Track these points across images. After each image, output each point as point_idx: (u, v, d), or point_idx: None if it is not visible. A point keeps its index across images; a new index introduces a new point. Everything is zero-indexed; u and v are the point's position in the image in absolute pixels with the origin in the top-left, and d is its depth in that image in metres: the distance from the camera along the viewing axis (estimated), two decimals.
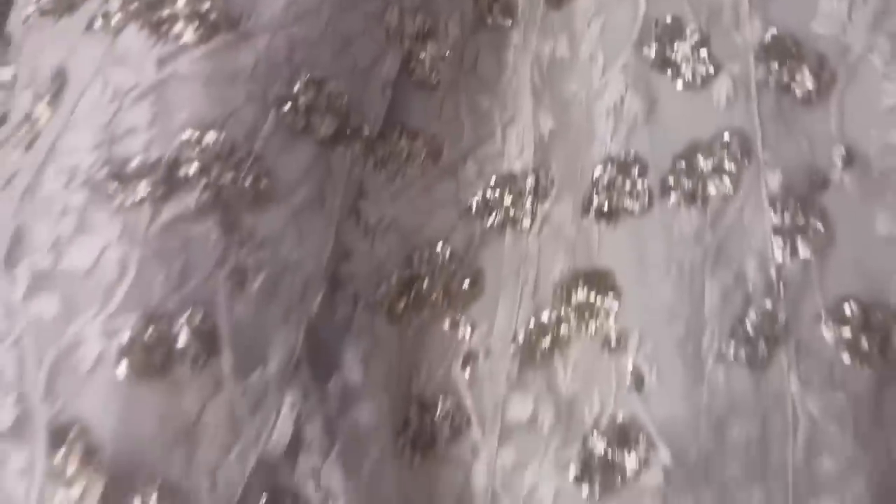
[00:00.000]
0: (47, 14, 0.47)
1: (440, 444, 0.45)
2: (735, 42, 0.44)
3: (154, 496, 0.36)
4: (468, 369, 0.46)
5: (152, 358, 0.36)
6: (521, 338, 0.45)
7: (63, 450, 0.35)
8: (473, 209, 0.48)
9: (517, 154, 0.49)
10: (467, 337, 0.47)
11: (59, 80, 0.41)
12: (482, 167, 0.49)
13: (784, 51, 0.44)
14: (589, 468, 0.42)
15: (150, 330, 0.36)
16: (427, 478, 0.45)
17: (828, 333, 0.40)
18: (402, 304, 0.46)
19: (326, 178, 0.43)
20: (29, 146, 0.40)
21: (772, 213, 0.41)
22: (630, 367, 0.42)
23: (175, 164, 0.38)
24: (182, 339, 0.37)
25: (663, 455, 0.41)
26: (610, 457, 0.42)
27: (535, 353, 0.45)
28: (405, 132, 0.47)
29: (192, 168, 0.38)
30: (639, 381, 0.42)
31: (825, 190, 0.42)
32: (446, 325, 0.47)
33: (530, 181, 0.48)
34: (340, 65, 0.43)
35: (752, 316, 0.41)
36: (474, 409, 0.46)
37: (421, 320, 0.46)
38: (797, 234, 0.41)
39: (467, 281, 0.47)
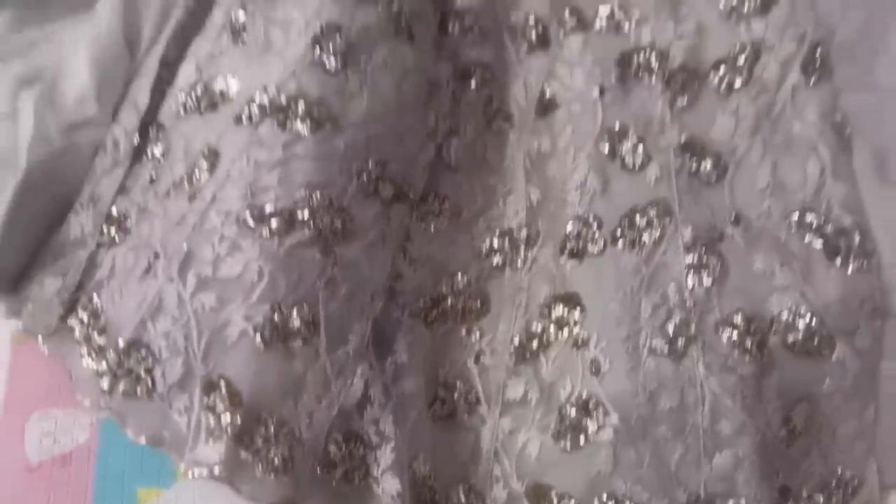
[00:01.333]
0: (192, 111, 0.68)
1: (459, 415, 0.63)
2: (661, 142, 0.65)
3: (272, 426, 0.54)
4: (478, 363, 0.65)
5: (275, 335, 0.55)
6: (516, 342, 0.64)
7: (216, 392, 0.54)
8: (483, 252, 0.68)
9: (514, 215, 0.69)
10: (477, 340, 0.66)
11: (213, 156, 0.61)
12: (489, 224, 0.69)
13: (693, 149, 0.65)
14: (563, 429, 0.61)
15: (275, 316, 0.55)
16: (449, 438, 0.63)
17: (724, 336, 0.59)
18: (433, 315, 0.65)
19: (386, 225, 0.63)
20: (192, 198, 0.60)
21: (686, 255, 0.61)
22: (591, 359, 0.61)
23: (293, 211, 0.57)
24: (295, 324, 0.56)
25: (613, 419, 0.59)
26: (577, 421, 0.60)
27: (526, 352, 0.64)
28: (437, 197, 0.68)
29: (305, 214, 0.57)
30: (596, 368, 0.60)
31: (721, 241, 0.62)
32: (463, 331, 0.66)
33: (523, 234, 0.68)
34: (397, 151, 0.64)
35: (672, 323, 0.60)
36: (482, 391, 0.64)
37: (446, 327, 0.65)
38: (702, 269, 0.61)
39: (478, 302, 0.66)
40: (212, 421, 0.53)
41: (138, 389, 0.56)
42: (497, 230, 0.69)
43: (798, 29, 0.65)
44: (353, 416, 0.58)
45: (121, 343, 0.57)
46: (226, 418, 0.53)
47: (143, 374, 0.56)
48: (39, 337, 0.65)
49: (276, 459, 0.53)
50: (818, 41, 0.64)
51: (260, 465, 0.53)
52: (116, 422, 0.57)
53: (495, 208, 0.70)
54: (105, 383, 0.56)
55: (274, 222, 0.57)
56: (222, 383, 0.54)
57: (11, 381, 0.68)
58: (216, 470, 0.52)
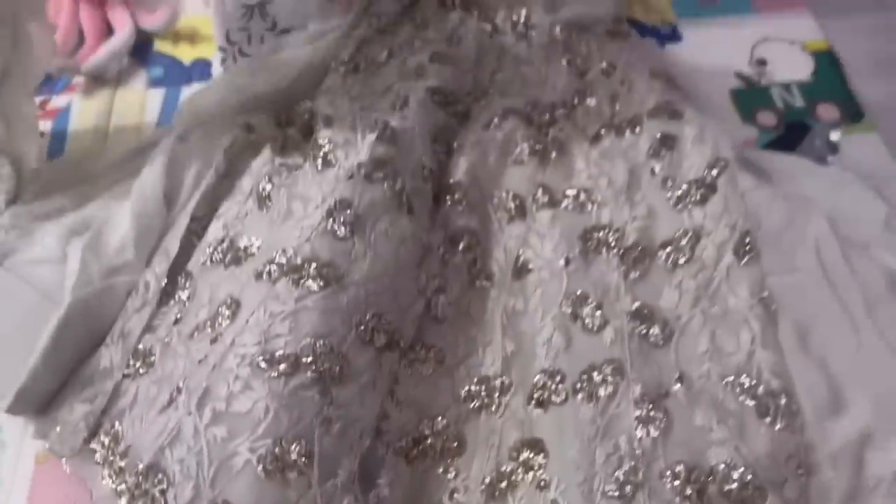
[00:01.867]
0: (218, 263, 0.79)
1: None
2: (616, 308, 0.76)
3: None
4: (452, 500, 0.72)
5: (275, 466, 0.64)
6: (487, 481, 0.72)
7: None
8: (462, 397, 0.77)
9: (490, 364, 0.79)
10: (453, 478, 0.73)
11: (235, 305, 0.72)
12: (469, 371, 0.78)
13: (644, 315, 0.76)
14: None
15: (276, 449, 0.64)
16: None
17: (668, 484, 0.67)
18: (414, 453, 0.73)
19: (378, 370, 0.72)
20: (213, 341, 0.70)
21: (636, 409, 0.70)
22: (551, 499, 0.68)
23: (299, 356, 0.67)
24: (292, 456, 0.64)
25: None
26: None
27: (495, 491, 0.72)
28: (424, 346, 0.78)
29: (309, 359, 0.67)
30: None
31: (667, 397, 0.72)
32: (440, 469, 0.74)
33: (498, 382, 0.77)
34: (392, 306, 0.75)
35: (623, 470, 0.68)
36: None
37: (425, 465, 0.73)
38: (650, 423, 0.70)
39: (455, 443, 0.75)
40: None
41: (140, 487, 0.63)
42: (476, 377, 0.78)
43: (731, 218, 0.78)
44: None
45: (140, 467, 0.65)
46: None
47: (157, 495, 0.64)
48: (64, 458, 0.74)
49: None
50: (747, 230, 0.77)
51: None
52: None
53: (475, 357, 0.80)
54: (123, 502, 0.64)
55: (282, 366, 0.66)
56: None
57: (32, 498, 0.75)
58: None
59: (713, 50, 1.13)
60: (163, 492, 0.64)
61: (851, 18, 1.17)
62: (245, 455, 0.63)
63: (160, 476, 0.64)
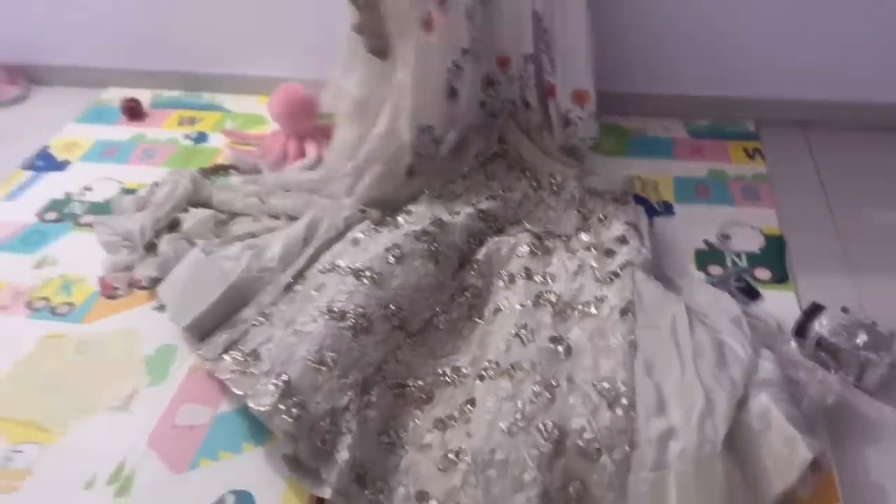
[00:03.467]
0: (322, 273, 1.34)
1: None
2: (542, 334, 1.20)
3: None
4: (415, 423, 1.16)
5: (316, 362, 1.13)
6: (438, 418, 1.15)
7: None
8: (439, 374, 1.22)
9: (463, 361, 1.24)
10: (419, 417, 1.17)
11: (322, 287, 1.26)
12: (448, 361, 1.24)
13: (557, 340, 1.19)
14: None
15: (318, 355, 1.14)
16: None
17: (542, 433, 1.07)
18: (397, 392, 1.19)
19: (389, 336, 1.21)
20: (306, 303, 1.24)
21: (534, 388, 1.12)
22: (467, 432, 1.10)
23: (346, 313, 1.18)
24: (327, 360, 1.13)
25: None
26: None
27: (445, 426, 1.15)
28: (423, 338, 1.26)
29: (350, 316, 1.18)
30: None
31: (556, 387, 1.13)
32: (413, 409, 1.18)
33: (464, 370, 1.22)
34: (408, 307, 1.25)
35: (514, 421, 1.09)
36: None
37: (403, 403, 1.19)
38: (540, 397, 1.11)
39: (425, 397, 1.19)
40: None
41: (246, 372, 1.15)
42: (451, 366, 1.23)
43: (623, 294, 1.22)
44: None
45: (249, 356, 1.17)
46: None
47: (255, 372, 1.15)
48: (207, 363, 1.27)
49: None
50: (631, 300, 1.20)
51: None
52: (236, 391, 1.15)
53: (454, 355, 1.26)
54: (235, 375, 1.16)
55: (335, 314, 1.18)
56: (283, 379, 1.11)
57: (183, 385, 1.28)
58: None
59: (694, 224, 1.59)
60: (256, 368, 1.15)
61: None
62: (302, 353, 1.14)
63: (258, 360, 1.16)
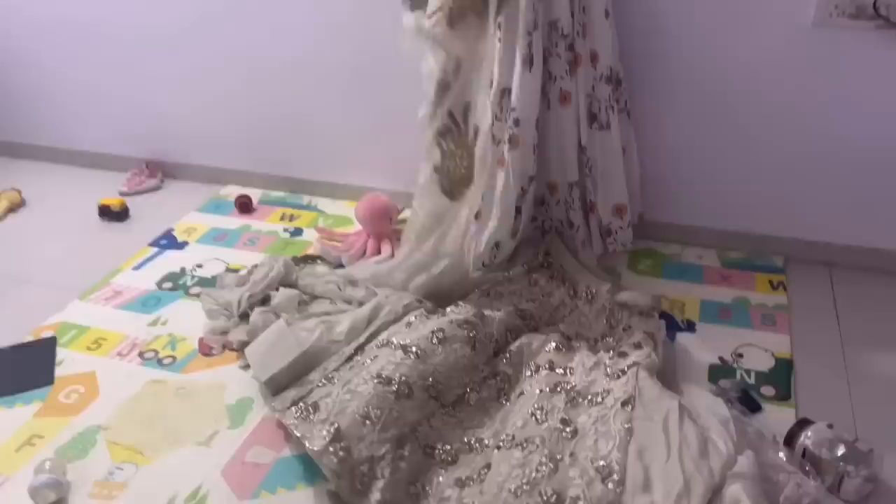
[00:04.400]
0: (377, 347, 1.61)
1: None
2: (555, 416, 1.41)
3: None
4: (439, 481, 1.38)
5: (363, 415, 1.38)
6: (461, 478, 1.37)
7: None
8: (465, 442, 1.45)
9: (486, 434, 1.46)
10: (444, 475, 1.39)
11: (374, 357, 1.52)
12: (474, 433, 1.46)
13: (566, 422, 1.39)
14: None
15: (364, 411, 1.39)
16: None
17: (544, 498, 1.27)
18: (428, 451, 1.41)
19: (425, 405, 1.45)
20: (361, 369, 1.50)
21: (540, 459, 1.33)
22: (479, 490, 1.31)
23: (392, 379, 1.44)
24: (371, 415, 1.38)
25: None
26: None
27: (463, 484, 1.36)
28: (454, 410, 1.49)
29: (395, 383, 1.44)
30: None
31: (561, 461, 1.33)
32: (439, 468, 1.40)
33: (487, 442, 1.44)
34: (444, 381, 1.49)
35: (521, 485, 1.29)
36: None
37: (431, 462, 1.41)
38: (544, 467, 1.31)
39: (451, 460, 1.41)
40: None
41: (306, 419, 1.40)
42: (475, 437, 1.45)
43: (625, 389, 1.42)
44: None
45: (312, 412, 1.43)
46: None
47: (314, 419, 1.40)
48: (277, 412, 1.54)
49: None
50: (631, 395, 1.40)
51: None
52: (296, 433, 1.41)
53: (480, 429, 1.47)
54: (297, 421, 1.42)
55: (382, 380, 1.43)
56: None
57: (255, 431, 1.55)
58: None
59: (712, 342, 1.78)
60: (314, 417, 1.41)
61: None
62: (352, 408, 1.39)
63: (317, 411, 1.42)
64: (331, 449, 1.33)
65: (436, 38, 1.70)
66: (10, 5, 2.54)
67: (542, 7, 1.68)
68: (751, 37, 1.84)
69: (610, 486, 1.26)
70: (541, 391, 1.47)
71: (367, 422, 1.37)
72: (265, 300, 1.88)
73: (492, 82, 1.72)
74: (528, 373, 1.56)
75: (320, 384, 1.55)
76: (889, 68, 1.78)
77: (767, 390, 1.62)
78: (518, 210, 1.86)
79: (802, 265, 2.06)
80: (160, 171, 2.66)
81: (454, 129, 1.79)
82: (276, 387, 1.59)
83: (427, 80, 1.78)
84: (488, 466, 1.36)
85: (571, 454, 1.34)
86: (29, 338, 1.87)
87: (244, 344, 1.75)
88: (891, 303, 1.91)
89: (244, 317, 1.84)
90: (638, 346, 1.60)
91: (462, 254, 1.86)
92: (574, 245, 1.99)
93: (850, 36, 1.76)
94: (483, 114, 1.75)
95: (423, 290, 1.80)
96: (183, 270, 2.15)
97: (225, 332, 1.83)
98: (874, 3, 1.71)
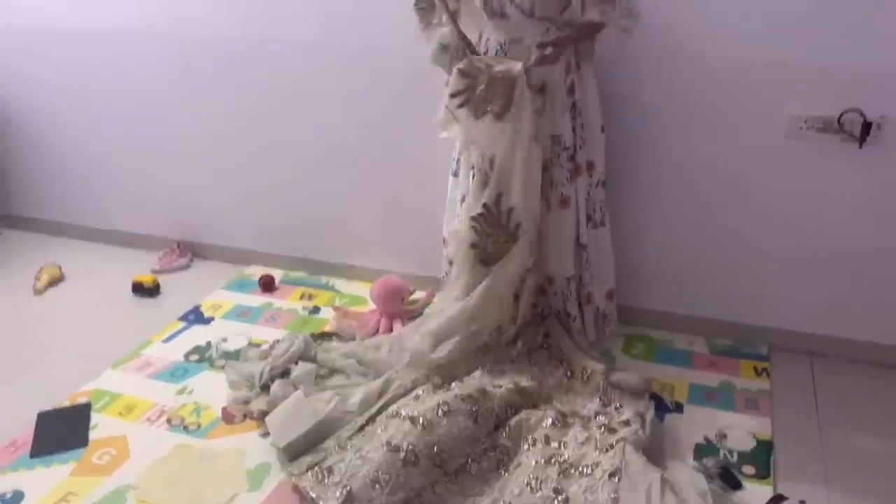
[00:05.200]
0: (388, 418, 1.76)
1: None
2: (549, 484, 1.54)
3: None
4: None
5: (371, 480, 1.52)
6: None
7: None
8: None
9: (486, 501, 1.58)
10: None
11: (384, 427, 1.67)
12: (474, 500, 1.59)
13: (558, 491, 1.52)
14: None
15: (373, 476, 1.53)
16: None
17: None
18: None
19: (429, 472, 1.59)
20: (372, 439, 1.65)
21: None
22: None
23: (400, 448, 1.58)
24: (379, 480, 1.52)
25: None
26: None
27: None
28: (457, 478, 1.62)
29: (403, 451, 1.58)
30: None
31: (568, 502, 1.45)
32: None
33: None
34: (448, 451, 1.62)
35: None
36: None
37: None
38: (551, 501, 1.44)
39: None
40: None
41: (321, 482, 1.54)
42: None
43: (613, 461, 1.55)
44: None
45: (326, 476, 1.57)
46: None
47: (328, 482, 1.54)
48: (293, 476, 1.67)
49: None
50: (618, 468, 1.53)
51: None
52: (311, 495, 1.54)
53: (479, 496, 1.60)
54: (312, 483, 1.56)
55: (391, 448, 1.58)
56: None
57: (272, 494, 1.68)
58: None
59: (698, 423, 1.91)
60: (328, 480, 1.54)
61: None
62: (364, 472, 1.53)
63: (331, 474, 1.56)
64: None
65: (459, 120, 1.90)
66: (67, 91, 2.82)
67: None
68: (733, 144, 2.06)
69: None
70: (536, 462, 1.61)
71: (377, 485, 1.51)
72: (285, 373, 2.03)
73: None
74: (526, 446, 1.70)
75: (334, 451, 1.69)
76: (855, 177, 1.98)
77: (748, 469, 1.75)
78: (517, 297, 2.04)
79: (785, 353, 2.21)
80: (190, 251, 2.87)
81: (486, 214, 1.97)
82: (293, 453, 1.73)
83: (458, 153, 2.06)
84: None
85: None
86: (65, 403, 2.03)
87: (264, 413, 1.89)
88: (867, 391, 2.04)
89: (265, 388, 1.99)
90: (627, 423, 1.74)
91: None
92: (571, 329, 2.15)
93: (818, 147, 1.97)
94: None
95: (434, 367, 1.95)
96: (209, 344, 2.32)
97: (247, 402, 1.98)
98: (839, 119, 1.92)
